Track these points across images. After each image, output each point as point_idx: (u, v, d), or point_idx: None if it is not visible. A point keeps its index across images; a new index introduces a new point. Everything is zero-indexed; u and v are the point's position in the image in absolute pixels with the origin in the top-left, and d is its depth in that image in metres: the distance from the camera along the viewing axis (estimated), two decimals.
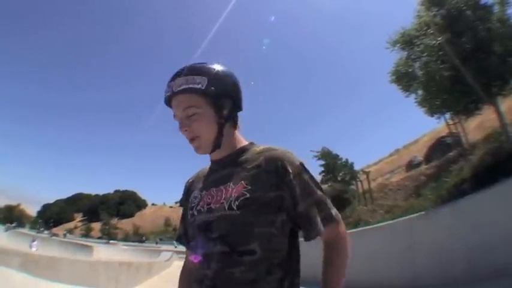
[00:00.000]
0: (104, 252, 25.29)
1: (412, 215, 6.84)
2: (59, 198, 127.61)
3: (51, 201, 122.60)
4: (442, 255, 5.40)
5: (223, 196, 0.97)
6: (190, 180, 1.21)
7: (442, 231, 5.66)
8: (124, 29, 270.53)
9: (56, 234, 57.40)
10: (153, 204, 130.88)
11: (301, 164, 1.01)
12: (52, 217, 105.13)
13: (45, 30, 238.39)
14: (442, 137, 18.73)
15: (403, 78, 10.41)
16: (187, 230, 1.11)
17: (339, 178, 19.24)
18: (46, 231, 64.58)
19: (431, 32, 9.18)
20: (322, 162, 19.82)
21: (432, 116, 10.94)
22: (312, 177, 1.02)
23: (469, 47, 8.46)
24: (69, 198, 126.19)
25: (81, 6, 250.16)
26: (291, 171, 0.96)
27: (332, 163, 18.88)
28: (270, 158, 0.99)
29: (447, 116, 12.97)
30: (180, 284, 1.20)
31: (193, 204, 1.06)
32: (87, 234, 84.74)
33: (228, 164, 1.05)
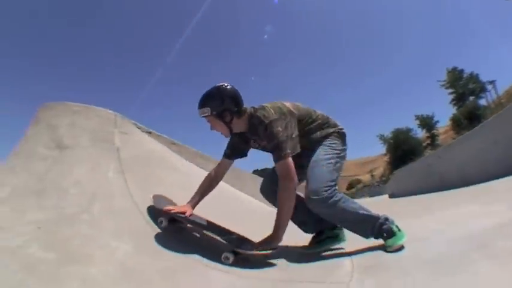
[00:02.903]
0: None
1: None
2: None
3: None
4: None
5: (260, 143, 2.20)
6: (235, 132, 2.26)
7: None
8: None
9: None
10: None
11: (265, 122, 2.02)
12: None
13: None
14: None
15: None
16: (234, 149, 2.34)
17: (467, 93, 18.66)
18: None
19: None
20: (450, 90, 18.51)
21: None
22: (270, 126, 2.00)
23: None
24: None
25: None
26: (263, 130, 2.04)
27: (457, 77, 17.61)
28: (259, 128, 2.08)
29: None
30: (205, 179, 2.38)
31: (253, 140, 2.26)
32: None
33: (245, 134, 2.23)
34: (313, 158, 2.06)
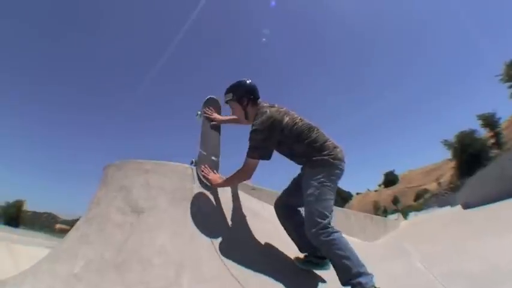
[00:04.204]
0: None
1: None
2: None
3: None
4: None
5: None
6: None
7: None
8: None
9: None
10: (357, 193, 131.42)
11: (252, 127, 2.43)
12: None
13: None
14: None
15: None
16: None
17: None
18: None
19: None
20: (510, 83, 17.28)
21: None
22: (251, 133, 2.41)
23: None
24: None
25: None
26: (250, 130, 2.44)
27: None
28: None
29: None
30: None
31: None
32: None
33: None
34: (303, 195, 2.35)
